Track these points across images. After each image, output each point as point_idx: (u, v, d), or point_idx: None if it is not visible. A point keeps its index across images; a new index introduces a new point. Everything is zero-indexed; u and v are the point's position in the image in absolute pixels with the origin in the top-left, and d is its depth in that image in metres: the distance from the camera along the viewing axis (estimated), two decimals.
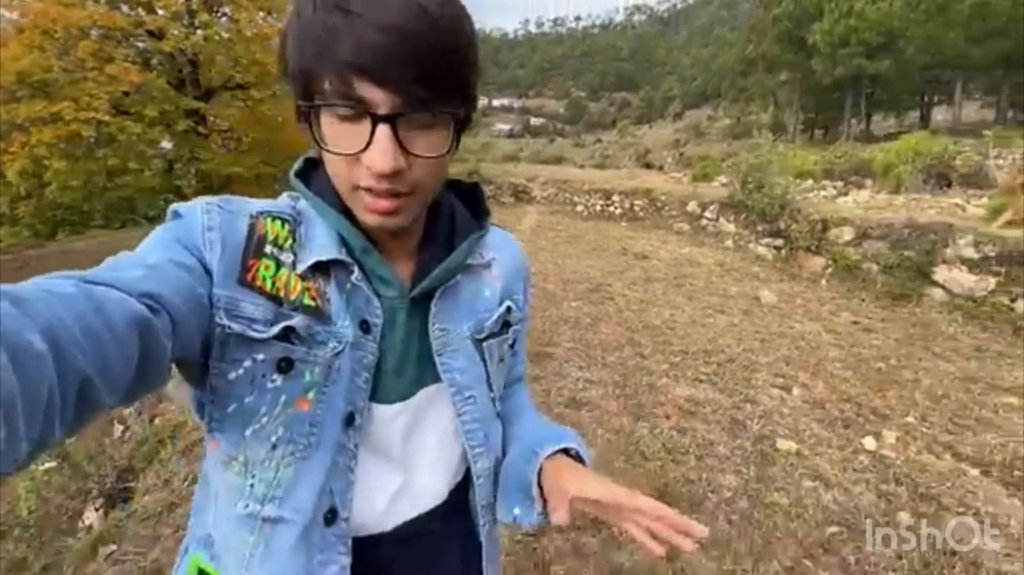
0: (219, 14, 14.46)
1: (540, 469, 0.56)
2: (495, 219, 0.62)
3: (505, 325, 0.61)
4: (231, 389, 0.45)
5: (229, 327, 0.43)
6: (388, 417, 0.53)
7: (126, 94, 12.47)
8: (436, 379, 0.55)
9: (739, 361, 3.73)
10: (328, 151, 0.43)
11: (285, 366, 0.46)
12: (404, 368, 0.53)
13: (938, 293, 5.22)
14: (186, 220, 0.45)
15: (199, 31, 13.62)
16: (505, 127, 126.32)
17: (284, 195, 0.53)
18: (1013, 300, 4.69)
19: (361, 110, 0.40)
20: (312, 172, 0.53)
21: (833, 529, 2.04)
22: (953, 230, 5.24)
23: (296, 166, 0.53)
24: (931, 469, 2.48)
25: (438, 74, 0.41)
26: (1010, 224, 5.20)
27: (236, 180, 14.42)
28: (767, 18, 38.93)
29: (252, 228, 0.47)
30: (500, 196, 11.20)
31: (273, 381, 0.46)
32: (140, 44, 14.08)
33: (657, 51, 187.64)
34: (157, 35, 13.06)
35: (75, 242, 11.60)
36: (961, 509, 2.18)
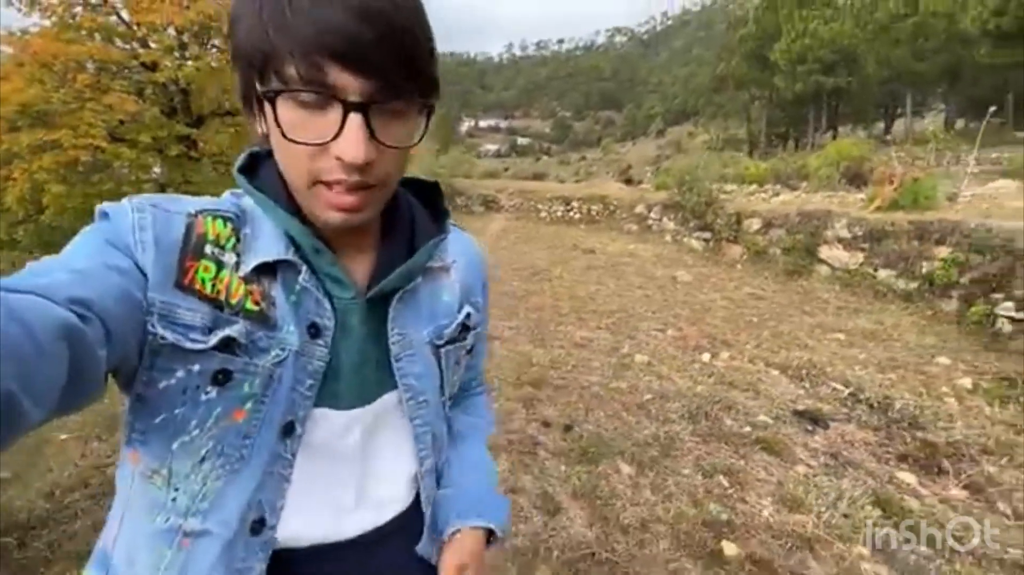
0: (209, 45, 15.51)
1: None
2: (465, 228, 0.63)
3: (464, 329, 0.59)
4: (160, 399, 0.42)
5: (162, 336, 0.40)
6: (343, 423, 0.50)
7: (122, 122, 13.34)
8: (394, 386, 0.53)
9: (637, 317, 4.68)
10: (290, 140, 0.39)
11: (222, 378, 0.43)
12: (362, 372, 0.51)
13: (823, 268, 6.24)
14: (115, 221, 0.41)
15: (190, 62, 14.59)
16: (492, 147, 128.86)
17: (227, 193, 0.50)
18: (875, 269, 5.70)
19: (329, 97, 0.38)
20: (257, 167, 0.49)
21: (648, 396, 2.96)
22: (832, 216, 6.29)
23: (239, 161, 0.49)
24: (742, 370, 3.42)
25: (409, 58, 0.39)
26: (878, 209, 6.25)
27: None
28: (735, 38, 41.14)
29: (190, 227, 0.43)
30: (471, 206, 12.23)
31: (207, 393, 0.43)
32: (135, 76, 14.95)
33: (639, 71, 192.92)
34: (151, 67, 14.02)
35: None
36: (746, 386, 3.12)
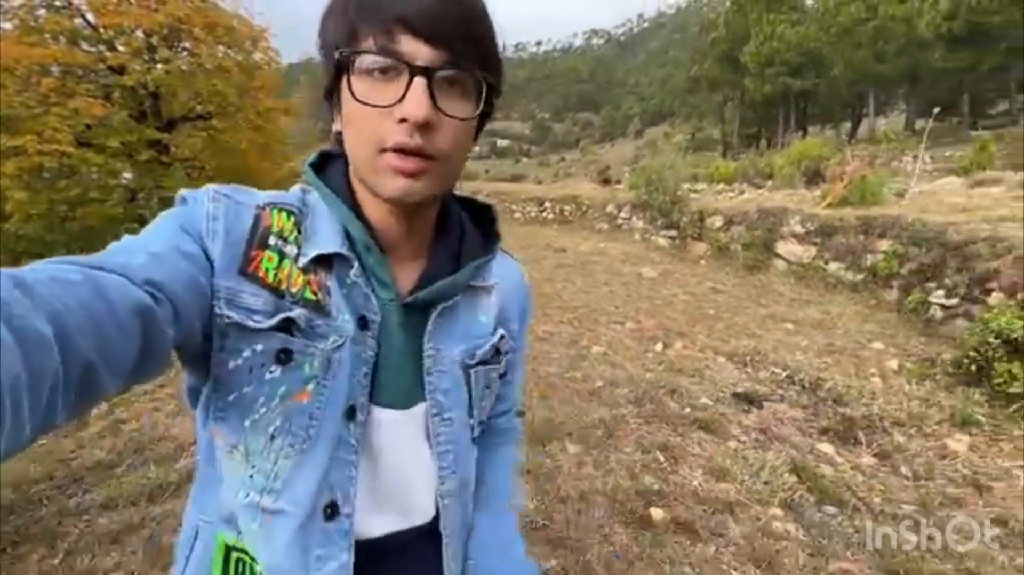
0: (179, 49, 15.28)
1: None
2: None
3: (497, 353, 0.59)
4: (231, 378, 0.45)
5: (228, 316, 0.44)
6: (383, 421, 0.52)
7: (89, 127, 13.06)
8: (423, 398, 0.54)
9: (599, 312, 4.88)
10: (362, 103, 0.43)
11: (284, 357, 0.46)
12: (400, 376, 0.53)
13: (780, 262, 6.54)
14: (191, 207, 0.45)
15: (160, 66, 14.35)
16: (473, 149, 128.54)
17: (296, 187, 0.53)
18: (826, 263, 6.01)
19: (398, 64, 0.41)
20: (327, 165, 0.53)
21: (600, 383, 3.15)
22: (788, 213, 6.60)
23: (310, 158, 0.53)
24: (691, 358, 3.63)
25: (473, 33, 0.43)
26: (829, 206, 6.60)
27: None
28: (707, 41, 42.07)
29: (257, 219, 0.47)
30: None
31: (272, 372, 0.46)
32: (102, 80, 14.63)
33: (616, 73, 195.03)
34: (118, 71, 13.75)
35: None
36: (693, 372, 3.33)
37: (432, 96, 0.42)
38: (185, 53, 15.95)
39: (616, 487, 2.15)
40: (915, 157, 16.81)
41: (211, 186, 0.46)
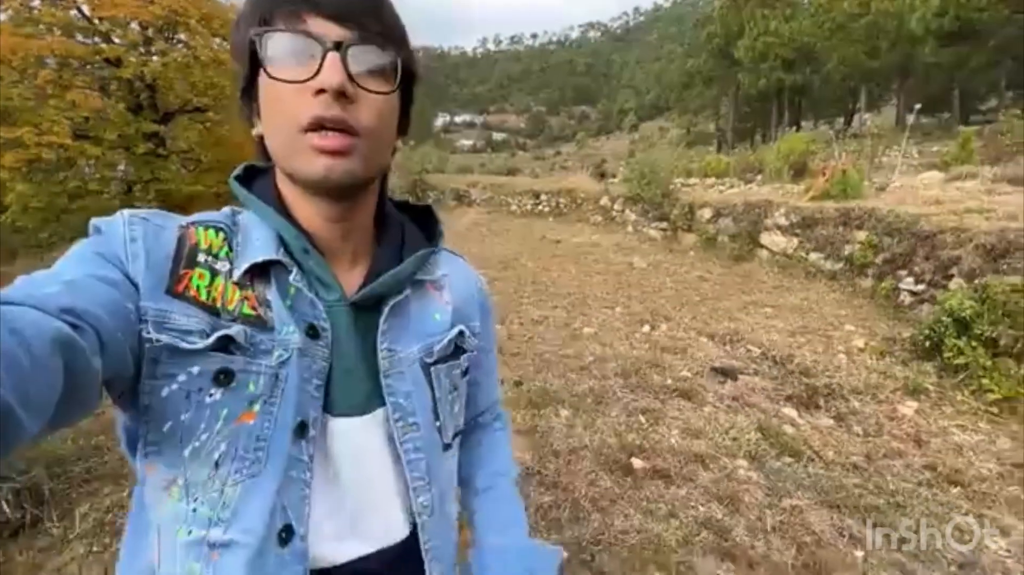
0: (175, 41, 15.32)
1: None
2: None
3: (457, 350, 0.58)
4: (165, 406, 0.42)
5: (157, 339, 0.41)
6: (340, 431, 0.50)
7: (86, 119, 13.12)
8: (383, 402, 0.52)
9: (591, 298, 5.16)
10: (277, 80, 0.42)
11: (224, 378, 0.43)
12: (354, 381, 0.50)
13: (764, 252, 6.85)
14: (107, 234, 0.43)
15: (156, 58, 14.39)
16: (468, 142, 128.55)
17: (225, 208, 0.52)
18: (807, 253, 6.33)
19: (311, 43, 0.42)
20: (254, 178, 0.52)
21: (591, 359, 3.44)
22: (772, 205, 6.90)
23: (236, 171, 0.52)
24: (676, 338, 3.93)
25: (382, 16, 0.45)
26: (812, 199, 6.90)
27: (197, 199, 15.19)
28: (703, 35, 42.19)
29: (183, 238, 0.45)
30: (443, 200, 12.57)
31: (211, 395, 0.43)
32: (98, 72, 14.66)
33: (613, 66, 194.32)
34: (114, 63, 13.80)
35: (35, 264, 12.20)
36: (677, 350, 3.63)
37: (347, 70, 0.42)
38: (181, 45, 16.01)
39: (602, 443, 2.45)
40: (904, 153, 17.17)
41: (126, 211, 0.45)
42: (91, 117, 13.06)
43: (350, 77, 0.42)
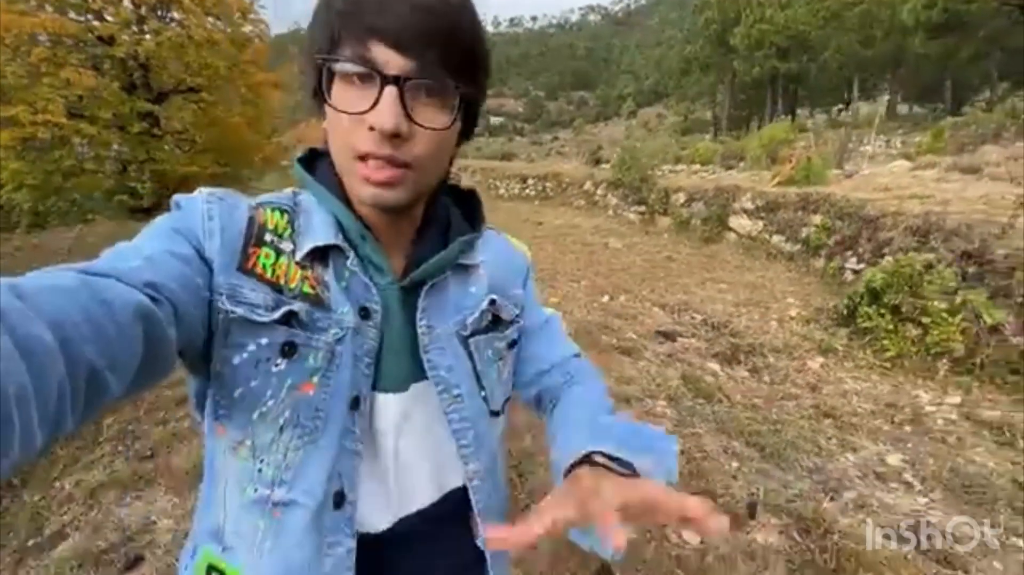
0: (168, 19, 15.34)
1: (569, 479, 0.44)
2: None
3: (496, 321, 0.59)
4: (236, 374, 0.46)
5: (232, 312, 0.45)
6: (383, 405, 0.53)
7: (80, 98, 13.22)
8: (424, 376, 0.54)
9: (562, 273, 5.57)
10: (336, 110, 0.44)
11: (289, 350, 0.47)
12: (400, 358, 0.54)
13: (732, 235, 7.25)
14: (186, 211, 0.46)
15: (148, 36, 14.42)
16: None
17: (288, 189, 0.54)
18: (770, 236, 6.73)
19: (372, 73, 0.42)
20: (316, 161, 0.54)
21: (589, 321, 3.85)
22: (740, 190, 7.29)
23: (299, 154, 0.55)
24: (631, 307, 4.35)
25: (450, 47, 0.44)
26: (779, 185, 7.28)
27: (192, 179, 15.36)
28: (700, 21, 41.98)
29: (252, 218, 0.48)
30: None
31: (277, 365, 0.47)
32: (92, 50, 14.68)
33: (613, 50, 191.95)
34: (107, 41, 13.85)
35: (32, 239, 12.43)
36: (629, 317, 4.04)
37: (405, 105, 0.43)
38: (174, 24, 16.01)
39: None
40: (888, 142, 17.52)
41: (205, 189, 0.48)
42: (85, 96, 13.14)
43: (407, 113, 0.43)
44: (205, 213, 0.46)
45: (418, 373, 0.54)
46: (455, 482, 0.58)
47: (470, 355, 0.57)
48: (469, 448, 0.57)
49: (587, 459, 0.44)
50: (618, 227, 8.69)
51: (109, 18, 14.09)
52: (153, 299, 0.37)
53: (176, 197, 0.48)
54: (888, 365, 3.18)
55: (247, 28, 16.14)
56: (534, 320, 0.65)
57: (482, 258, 0.60)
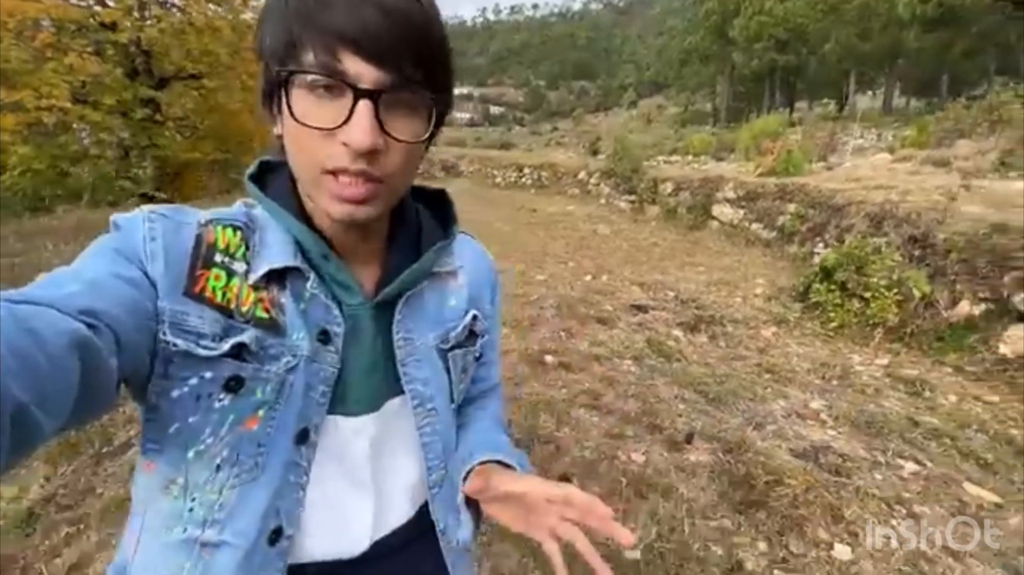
0: (169, 5, 15.51)
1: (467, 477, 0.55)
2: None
3: (471, 335, 0.59)
4: (173, 408, 0.43)
5: (174, 344, 0.41)
6: (353, 430, 0.51)
7: (83, 84, 13.44)
8: (400, 391, 0.53)
9: (551, 256, 5.96)
10: (302, 124, 0.40)
11: (234, 385, 0.44)
12: (372, 378, 0.52)
13: (715, 223, 7.64)
14: (126, 231, 0.43)
15: (149, 22, 14.60)
16: (465, 116, 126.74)
17: (238, 202, 0.51)
18: (750, 223, 7.12)
19: (342, 84, 0.39)
20: (268, 176, 0.51)
21: (535, 297, 4.25)
22: (723, 181, 7.66)
23: (250, 169, 0.51)
24: (611, 285, 4.75)
25: (425, 56, 0.41)
26: (760, 175, 7.66)
27: (193, 166, 15.61)
28: (701, 12, 41.92)
29: (200, 236, 0.45)
30: (432, 171, 13.20)
31: (220, 400, 0.44)
32: (94, 35, 14.85)
33: (614, 40, 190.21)
34: (110, 27, 14.04)
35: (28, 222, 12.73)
36: (608, 293, 4.45)
37: (379, 119, 0.40)
38: (176, 10, 16.17)
39: (527, 347, 3.27)
40: (880, 135, 17.84)
41: (145, 207, 0.45)
42: (89, 81, 13.36)
43: (381, 127, 0.40)
44: (147, 233, 0.43)
45: (391, 390, 0.53)
46: (425, 495, 0.58)
47: (447, 368, 0.57)
48: (435, 460, 0.57)
49: (490, 462, 0.55)
50: (609, 215, 9.06)
51: (111, 3, 14.26)
52: (92, 327, 0.34)
53: (114, 217, 0.44)
54: (831, 334, 3.59)
55: (248, 15, 16.32)
56: (492, 338, 0.65)
57: (459, 263, 0.60)
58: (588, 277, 5.00)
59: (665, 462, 2.18)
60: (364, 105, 0.39)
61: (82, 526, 1.73)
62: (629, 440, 2.35)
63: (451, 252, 0.59)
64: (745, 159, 11.70)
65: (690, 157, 14.25)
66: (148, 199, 13.03)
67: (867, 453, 2.25)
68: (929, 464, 2.20)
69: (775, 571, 1.65)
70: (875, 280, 3.62)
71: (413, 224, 0.56)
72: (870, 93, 35.54)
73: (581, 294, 4.42)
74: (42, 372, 0.29)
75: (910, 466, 2.18)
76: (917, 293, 3.46)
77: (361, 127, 0.39)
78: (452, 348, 0.57)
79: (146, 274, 0.41)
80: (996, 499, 2.02)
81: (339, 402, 0.50)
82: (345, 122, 0.40)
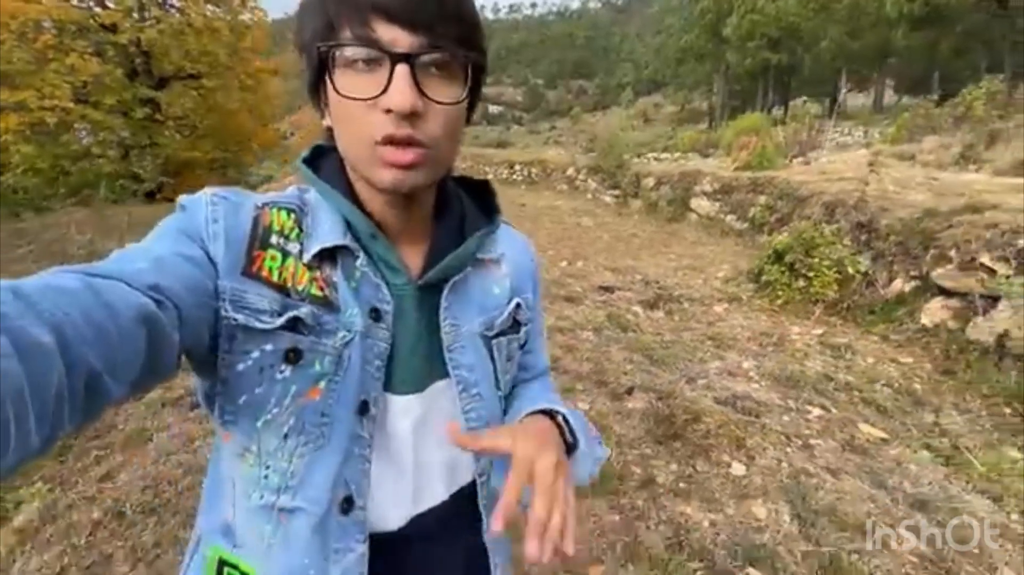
0: (168, 7, 15.81)
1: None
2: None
3: (515, 324, 0.60)
4: (240, 381, 0.46)
5: (235, 319, 0.44)
6: (400, 408, 0.53)
7: (85, 84, 13.73)
8: (445, 374, 0.55)
9: (539, 248, 6.15)
10: (346, 98, 0.43)
11: (294, 356, 0.46)
12: (416, 359, 0.53)
13: (693, 215, 7.99)
14: (190, 212, 0.46)
15: (148, 23, 14.91)
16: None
17: (292, 187, 0.53)
18: (724, 215, 7.47)
19: (380, 55, 0.41)
20: (320, 160, 0.53)
21: (546, 279, 4.60)
22: (701, 175, 8.01)
23: (304, 153, 0.53)
24: (584, 270, 5.10)
25: (455, 16, 0.43)
26: (736, 169, 8.01)
27: (193, 164, 15.91)
28: (696, 11, 42.21)
29: (257, 219, 0.48)
30: None
31: (282, 371, 0.46)
32: (95, 36, 15.12)
33: (612, 39, 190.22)
34: (110, 28, 14.34)
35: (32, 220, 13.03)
36: (581, 276, 4.80)
37: (417, 83, 0.42)
38: (175, 11, 16.46)
39: None
40: (866, 132, 18.18)
41: (209, 188, 0.47)
42: (90, 82, 13.66)
43: (420, 90, 0.42)
44: (209, 216, 0.45)
45: (436, 372, 0.55)
46: (465, 478, 0.59)
47: (491, 355, 0.58)
48: None
49: (548, 413, 0.55)
50: (594, 208, 9.41)
51: (111, 5, 14.55)
52: (157, 302, 0.36)
53: (181, 198, 0.47)
54: (777, 309, 3.95)
55: (246, 16, 16.62)
56: (536, 326, 0.67)
57: (503, 251, 0.61)
58: (564, 263, 5.35)
59: (607, 409, 2.53)
60: (401, 69, 0.41)
61: (108, 451, 2.08)
62: (579, 394, 2.70)
63: (494, 240, 0.60)
64: (727, 155, 12.07)
65: (678, 154, 14.62)
66: (150, 197, 13.35)
67: (781, 401, 2.61)
68: (833, 410, 2.56)
69: (680, 483, 2.00)
70: (818, 261, 3.98)
71: (457, 209, 0.57)
72: (864, 91, 35.89)
73: (555, 277, 4.77)
74: (113, 342, 0.32)
75: (816, 411, 2.53)
76: (851, 271, 3.81)
77: (399, 90, 0.41)
78: (496, 335, 0.58)
79: (207, 254, 0.44)
80: (884, 436, 2.37)
81: (388, 380, 0.52)
82: (385, 90, 0.42)
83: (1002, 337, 2.86)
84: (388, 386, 0.52)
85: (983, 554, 1.72)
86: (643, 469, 2.07)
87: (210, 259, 0.44)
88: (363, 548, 0.51)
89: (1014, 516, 1.91)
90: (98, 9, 14.75)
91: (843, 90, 31.46)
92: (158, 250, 0.41)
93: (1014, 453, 2.31)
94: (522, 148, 26.30)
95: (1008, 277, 2.93)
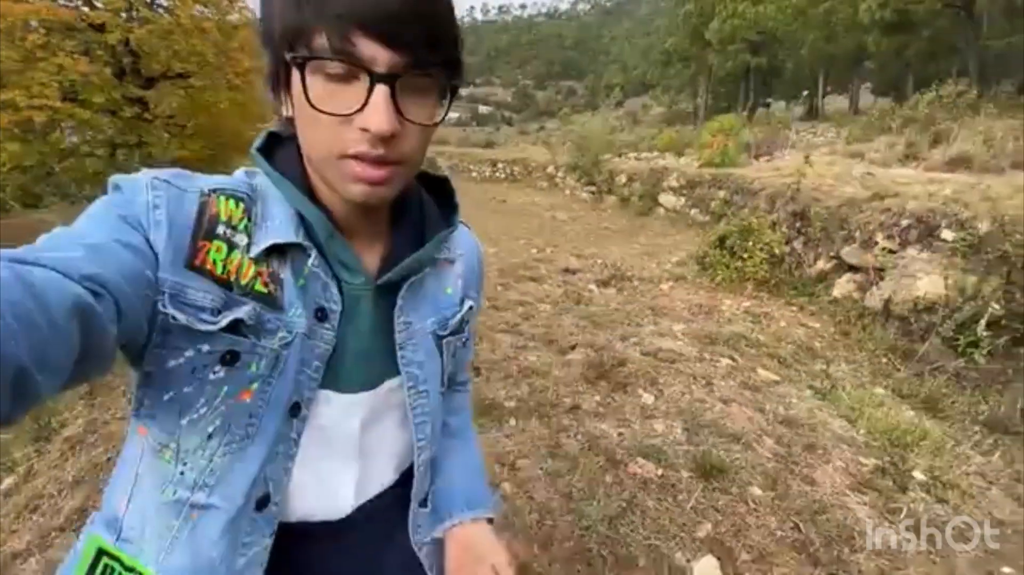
0: (156, 7, 16.02)
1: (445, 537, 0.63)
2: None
3: (462, 323, 0.62)
4: (168, 377, 0.44)
5: (173, 317, 0.42)
6: (347, 406, 0.53)
7: (73, 83, 13.93)
8: (397, 372, 0.55)
9: (508, 235, 6.79)
10: (318, 111, 0.40)
11: (230, 358, 0.45)
12: (370, 357, 0.53)
13: (661, 210, 8.54)
14: (128, 196, 0.42)
15: (136, 23, 15.12)
16: (453, 115, 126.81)
17: (240, 170, 0.51)
18: (689, 209, 8.02)
19: (357, 68, 0.39)
20: (277, 148, 0.50)
21: (490, 261, 5.08)
22: (668, 171, 8.56)
23: (257, 140, 0.50)
24: (552, 256, 5.59)
25: (437, 35, 0.41)
26: (701, 166, 8.57)
27: (182, 164, 16.11)
28: (680, 14, 43.03)
29: (203, 206, 0.45)
30: None
31: (216, 372, 0.45)
32: (83, 37, 15.27)
33: (601, 40, 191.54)
34: (99, 28, 14.55)
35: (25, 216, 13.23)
36: (548, 261, 5.29)
37: (395, 103, 0.40)
38: (163, 12, 16.65)
39: None
40: (839, 133, 18.85)
41: (149, 171, 0.44)
42: (78, 81, 13.87)
43: (398, 110, 0.41)
44: (150, 201, 0.42)
45: (387, 370, 0.55)
46: (402, 470, 0.62)
47: (440, 354, 0.59)
48: (424, 441, 0.60)
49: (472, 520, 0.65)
50: (571, 204, 9.94)
51: (100, 5, 14.76)
52: (94, 294, 0.34)
53: (115, 178, 0.44)
54: (715, 287, 4.47)
55: (233, 16, 16.89)
56: (475, 322, 0.67)
57: (459, 252, 0.62)
58: (535, 251, 5.85)
59: (551, 360, 3.02)
60: (381, 90, 0.40)
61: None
62: (530, 350, 3.18)
63: (452, 240, 0.60)
64: (697, 154, 12.67)
65: (656, 153, 15.20)
66: None
67: (697, 353, 3.12)
68: (740, 360, 3.08)
69: (600, 409, 2.49)
70: (752, 244, 4.51)
71: (416, 207, 0.56)
72: (843, 94, 36.96)
73: (524, 261, 5.26)
74: (43, 336, 0.30)
75: (725, 361, 3.05)
76: (778, 252, 4.35)
77: (380, 113, 0.40)
78: (447, 335, 0.59)
79: (148, 242, 0.41)
80: (776, 378, 2.89)
81: (333, 378, 0.51)
82: (362, 107, 0.40)
83: (887, 302, 3.40)
84: (335, 385, 0.52)
85: (825, 452, 2.23)
86: (572, 399, 2.56)
87: (151, 247, 0.42)
88: (268, 542, 0.51)
89: (861, 431, 2.43)
90: (87, 9, 14.96)
91: (822, 93, 32.44)
92: (95, 236, 0.39)
93: (879, 390, 2.84)
94: (510, 147, 26.88)
95: (892, 251, 3.47)
